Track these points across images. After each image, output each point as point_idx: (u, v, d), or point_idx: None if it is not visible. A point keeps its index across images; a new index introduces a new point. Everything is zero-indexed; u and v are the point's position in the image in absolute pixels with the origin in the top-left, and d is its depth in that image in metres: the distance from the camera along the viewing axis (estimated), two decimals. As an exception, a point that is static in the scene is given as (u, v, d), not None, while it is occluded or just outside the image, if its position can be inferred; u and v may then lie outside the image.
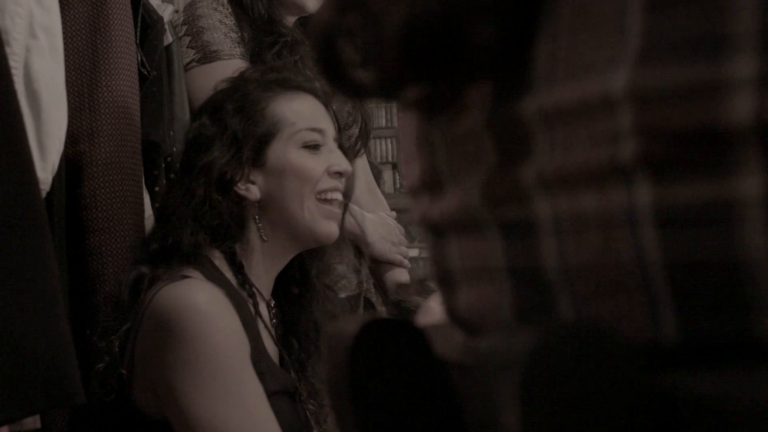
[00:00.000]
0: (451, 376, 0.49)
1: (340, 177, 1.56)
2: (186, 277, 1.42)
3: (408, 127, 0.51)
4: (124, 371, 1.40)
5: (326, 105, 1.63)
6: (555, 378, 0.31)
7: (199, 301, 1.36)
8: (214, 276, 1.46)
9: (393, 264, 2.10)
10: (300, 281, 1.64)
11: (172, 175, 1.81)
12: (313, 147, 1.54)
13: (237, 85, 1.60)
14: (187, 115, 1.88)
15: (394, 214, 2.23)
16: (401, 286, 1.77)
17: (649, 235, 0.34)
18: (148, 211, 1.73)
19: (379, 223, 2.10)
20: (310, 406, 1.54)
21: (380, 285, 2.12)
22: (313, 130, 1.54)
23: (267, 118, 1.53)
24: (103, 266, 1.59)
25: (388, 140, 6.37)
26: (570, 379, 0.31)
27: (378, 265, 2.10)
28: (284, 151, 1.52)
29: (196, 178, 1.50)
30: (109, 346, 1.42)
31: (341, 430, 0.50)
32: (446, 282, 0.48)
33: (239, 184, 1.50)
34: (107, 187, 1.60)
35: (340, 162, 1.56)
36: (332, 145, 1.57)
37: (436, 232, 0.48)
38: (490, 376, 0.32)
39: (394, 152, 6.46)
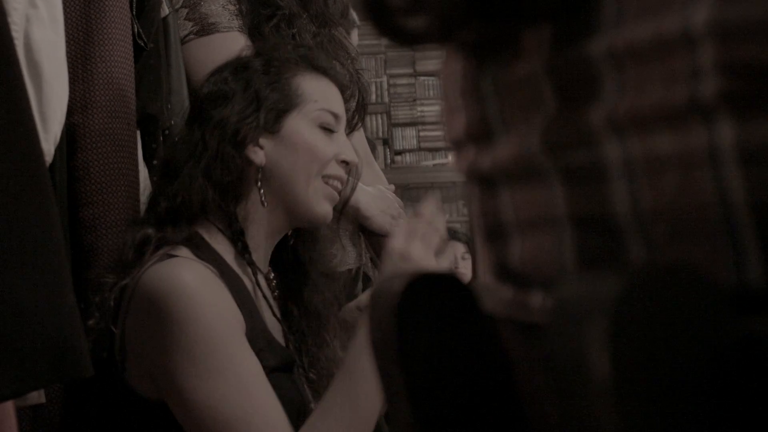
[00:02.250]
0: (500, 331, 0.48)
1: (346, 166, 1.55)
2: (172, 256, 1.38)
3: (452, 78, 0.49)
4: (116, 330, 1.37)
5: (344, 96, 1.62)
6: (644, 321, 0.30)
7: (186, 281, 1.32)
8: (204, 254, 1.43)
9: (392, 237, 2.09)
10: (294, 268, 1.63)
11: (169, 149, 1.79)
12: (328, 130, 1.53)
13: (265, 49, 1.59)
14: (185, 88, 1.86)
15: (392, 187, 2.22)
16: None
17: (732, 175, 0.33)
18: (145, 184, 1.71)
19: (378, 196, 2.09)
20: (311, 375, 1.53)
21: (379, 258, 2.11)
22: (332, 113, 1.54)
23: (292, 88, 1.52)
24: (97, 239, 1.57)
25: (379, 116, 6.37)
26: (659, 322, 0.30)
27: (377, 239, 2.09)
28: (301, 125, 1.51)
29: (211, 130, 1.48)
30: (102, 303, 1.40)
31: (386, 388, 0.49)
32: (496, 235, 0.47)
33: (250, 146, 1.48)
34: (100, 159, 1.57)
35: (348, 152, 1.55)
36: (343, 134, 1.57)
37: (486, 183, 0.47)
38: (575, 322, 0.31)
39: (385, 128, 6.45)
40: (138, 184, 1.64)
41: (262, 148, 1.49)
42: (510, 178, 0.44)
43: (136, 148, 1.65)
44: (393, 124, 6.46)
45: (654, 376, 0.30)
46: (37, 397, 1.36)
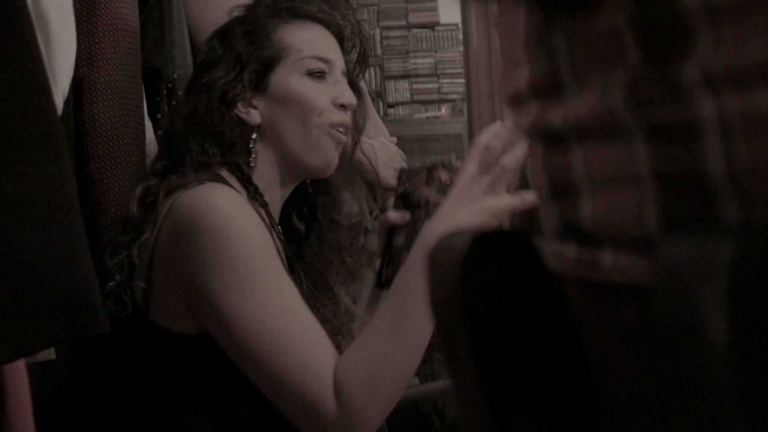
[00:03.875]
0: (566, 289, 0.47)
1: (345, 110, 1.52)
2: (202, 183, 1.39)
3: (513, 30, 0.48)
4: (143, 284, 1.36)
5: (339, 38, 1.59)
6: (763, 284, 0.29)
7: (224, 200, 1.32)
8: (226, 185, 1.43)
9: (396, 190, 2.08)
10: (305, 214, 1.62)
11: (173, 102, 1.77)
12: (318, 76, 1.50)
13: (249, 10, 1.56)
14: (187, 41, 1.84)
15: (394, 139, 2.21)
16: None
17: None
18: (150, 137, 1.69)
19: (381, 149, 2.08)
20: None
21: (383, 211, 2.10)
22: (319, 59, 1.51)
23: (274, 43, 1.50)
24: (104, 193, 1.55)
25: (372, 69, 6.33)
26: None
27: (380, 192, 2.08)
28: (287, 78, 1.49)
29: (197, 94, 1.49)
30: (120, 264, 1.39)
31: (447, 349, 0.48)
32: (563, 192, 0.46)
33: (240, 106, 1.48)
34: (107, 112, 1.55)
35: (345, 94, 1.52)
36: (339, 77, 1.54)
37: (553, 139, 0.45)
38: (688, 286, 0.30)
39: (378, 81, 6.41)
40: (144, 137, 1.63)
41: (255, 107, 1.49)
42: (584, 135, 0.43)
43: (142, 102, 1.63)
44: (386, 77, 6.43)
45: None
46: (47, 354, 1.36)
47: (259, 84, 1.49)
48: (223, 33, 1.54)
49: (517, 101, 0.49)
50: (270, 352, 1.28)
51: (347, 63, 1.62)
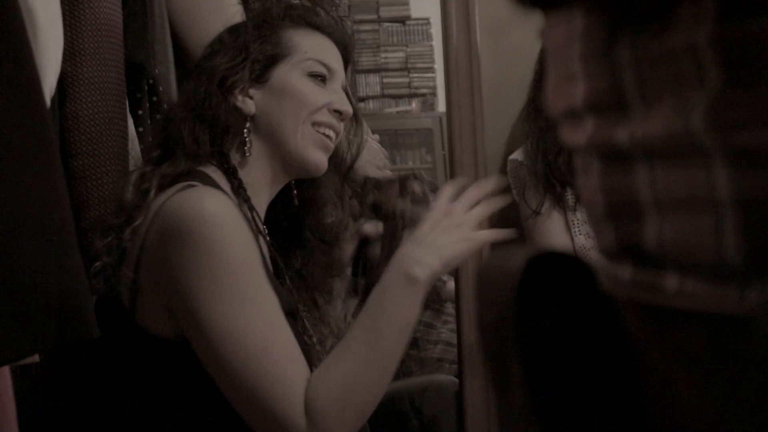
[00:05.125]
0: (623, 313, 0.45)
1: (339, 116, 1.54)
2: (192, 186, 1.38)
3: (566, 43, 0.46)
4: (131, 274, 1.34)
5: (343, 55, 1.62)
6: None
7: (212, 206, 1.31)
8: (213, 187, 1.42)
9: (378, 188, 2.06)
10: (290, 210, 1.62)
11: (154, 98, 1.75)
12: (319, 79, 1.53)
13: (260, 11, 1.61)
14: (168, 36, 1.82)
15: (376, 137, 2.19)
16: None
17: None
18: (132, 134, 1.67)
19: (365, 147, 2.05)
20: (307, 339, 1.52)
21: (364, 210, 2.08)
22: (323, 64, 1.54)
23: (282, 40, 1.54)
24: (87, 190, 1.53)
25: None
26: None
27: (363, 191, 2.06)
28: (288, 74, 1.52)
29: (198, 77, 1.51)
30: (109, 246, 1.37)
31: (497, 372, 0.46)
32: (623, 212, 0.44)
33: (237, 93, 1.50)
34: (90, 109, 1.53)
35: (342, 103, 1.54)
36: (338, 87, 1.56)
37: (616, 157, 0.44)
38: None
39: (349, 74, 6.38)
40: (127, 134, 1.60)
41: (251, 98, 1.51)
42: (655, 155, 0.41)
43: (125, 98, 1.61)
44: (356, 71, 6.41)
45: None
46: (31, 357, 1.32)
47: (261, 76, 1.51)
48: (233, 27, 1.57)
49: (570, 116, 0.47)
50: (245, 365, 1.28)
51: (346, 84, 1.64)
